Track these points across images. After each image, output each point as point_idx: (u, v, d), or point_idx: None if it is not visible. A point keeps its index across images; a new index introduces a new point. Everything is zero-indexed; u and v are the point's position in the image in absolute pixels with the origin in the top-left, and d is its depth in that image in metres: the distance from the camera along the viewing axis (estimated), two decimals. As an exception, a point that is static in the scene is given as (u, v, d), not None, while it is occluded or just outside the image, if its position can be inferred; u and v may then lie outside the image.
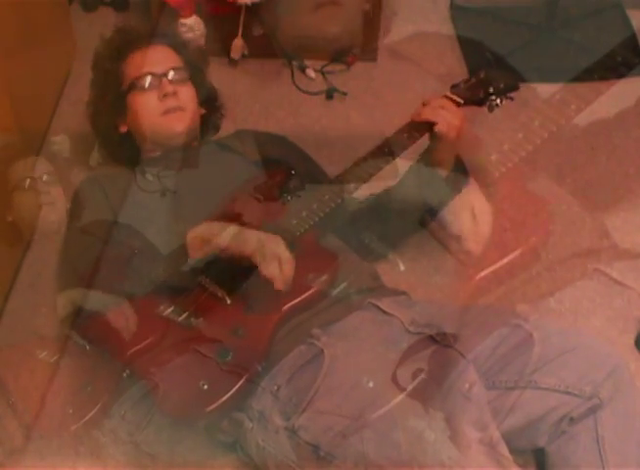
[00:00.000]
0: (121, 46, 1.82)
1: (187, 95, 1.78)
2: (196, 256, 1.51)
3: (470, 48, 2.45)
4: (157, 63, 1.78)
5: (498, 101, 1.66)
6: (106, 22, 2.55)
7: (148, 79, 1.75)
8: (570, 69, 2.15)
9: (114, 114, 1.81)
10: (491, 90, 1.66)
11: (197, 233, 1.53)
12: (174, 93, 1.75)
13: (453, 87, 1.70)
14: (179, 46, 1.87)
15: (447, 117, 1.60)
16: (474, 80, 1.70)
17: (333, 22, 2.40)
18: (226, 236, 1.51)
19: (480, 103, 1.67)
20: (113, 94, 1.80)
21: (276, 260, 1.46)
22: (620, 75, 2.29)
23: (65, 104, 2.32)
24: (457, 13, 2.60)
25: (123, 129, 1.82)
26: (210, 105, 1.90)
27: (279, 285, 1.46)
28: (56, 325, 1.74)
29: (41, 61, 2.15)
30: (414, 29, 2.55)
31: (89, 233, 1.64)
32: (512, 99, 1.69)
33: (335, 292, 1.54)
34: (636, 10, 2.52)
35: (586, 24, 2.47)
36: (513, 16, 2.53)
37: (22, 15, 2.02)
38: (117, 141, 1.85)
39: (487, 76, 1.70)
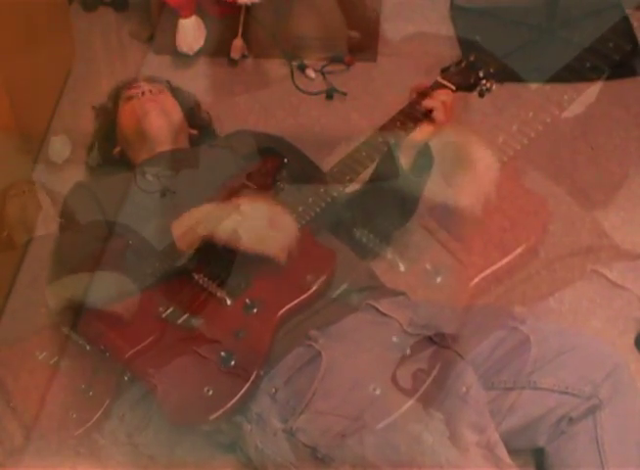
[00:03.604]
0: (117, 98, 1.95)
1: (167, 100, 1.90)
2: (185, 247, 1.50)
3: (470, 48, 2.44)
4: (145, 82, 1.92)
5: (489, 85, 1.62)
6: (106, 22, 2.56)
7: (134, 92, 1.88)
8: (569, 70, 2.15)
9: (109, 141, 1.94)
10: (481, 74, 1.62)
11: (181, 225, 1.52)
12: (151, 91, 1.87)
13: (443, 71, 1.67)
14: (171, 87, 1.99)
15: (447, 112, 1.59)
16: (464, 64, 1.67)
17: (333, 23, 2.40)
18: (210, 221, 1.49)
19: (470, 89, 1.64)
20: (108, 128, 1.94)
21: (276, 238, 1.46)
22: (619, 74, 2.30)
23: (65, 104, 2.32)
24: (457, 13, 2.60)
25: (117, 151, 1.92)
26: (201, 128, 2.00)
27: (282, 258, 1.47)
28: (56, 325, 1.74)
29: (41, 61, 2.15)
30: (414, 30, 2.54)
31: (82, 237, 1.65)
32: (502, 83, 1.66)
33: (335, 294, 1.53)
34: (636, 10, 2.51)
35: (586, 24, 2.46)
36: (513, 16, 2.52)
37: (22, 15, 2.02)
38: (114, 161, 1.94)
39: (478, 59, 1.66)
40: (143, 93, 1.87)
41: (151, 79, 1.97)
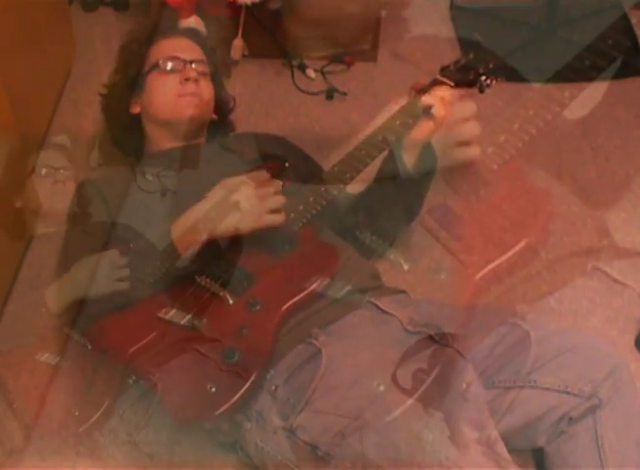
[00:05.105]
0: (152, 32, 1.85)
1: (206, 87, 1.81)
2: (188, 252, 1.50)
3: (470, 48, 2.44)
4: (185, 50, 1.81)
5: (489, 81, 1.59)
6: (106, 22, 2.56)
7: (173, 62, 1.78)
8: (569, 69, 2.15)
9: (130, 92, 1.83)
10: (481, 71, 1.59)
11: (179, 228, 1.51)
12: (196, 80, 1.77)
13: (443, 70, 1.64)
14: (207, 48, 1.89)
15: (446, 108, 1.58)
16: (463, 61, 1.64)
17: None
18: (205, 219, 1.48)
19: (470, 84, 1.61)
20: (133, 73, 1.82)
21: (262, 209, 1.46)
22: (620, 75, 2.30)
23: (65, 104, 2.32)
24: (457, 13, 2.61)
25: (135, 110, 1.83)
26: (222, 112, 1.93)
27: (281, 221, 1.48)
28: (56, 325, 1.74)
29: (41, 61, 2.15)
30: (414, 30, 2.55)
31: (89, 236, 1.64)
32: (503, 79, 1.65)
33: (340, 294, 1.52)
34: (636, 10, 2.52)
35: (586, 24, 2.47)
36: (513, 16, 2.53)
37: (22, 15, 2.03)
38: (126, 123, 1.86)
39: (477, 57, 1.63)
40: (187, 79, 1.76)
41: (192, 35, 1.88)
